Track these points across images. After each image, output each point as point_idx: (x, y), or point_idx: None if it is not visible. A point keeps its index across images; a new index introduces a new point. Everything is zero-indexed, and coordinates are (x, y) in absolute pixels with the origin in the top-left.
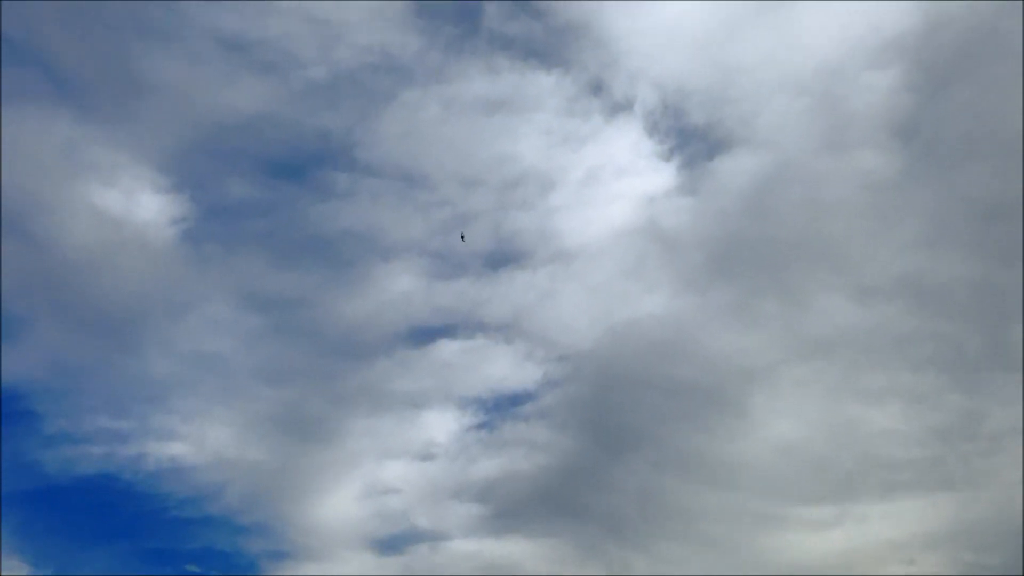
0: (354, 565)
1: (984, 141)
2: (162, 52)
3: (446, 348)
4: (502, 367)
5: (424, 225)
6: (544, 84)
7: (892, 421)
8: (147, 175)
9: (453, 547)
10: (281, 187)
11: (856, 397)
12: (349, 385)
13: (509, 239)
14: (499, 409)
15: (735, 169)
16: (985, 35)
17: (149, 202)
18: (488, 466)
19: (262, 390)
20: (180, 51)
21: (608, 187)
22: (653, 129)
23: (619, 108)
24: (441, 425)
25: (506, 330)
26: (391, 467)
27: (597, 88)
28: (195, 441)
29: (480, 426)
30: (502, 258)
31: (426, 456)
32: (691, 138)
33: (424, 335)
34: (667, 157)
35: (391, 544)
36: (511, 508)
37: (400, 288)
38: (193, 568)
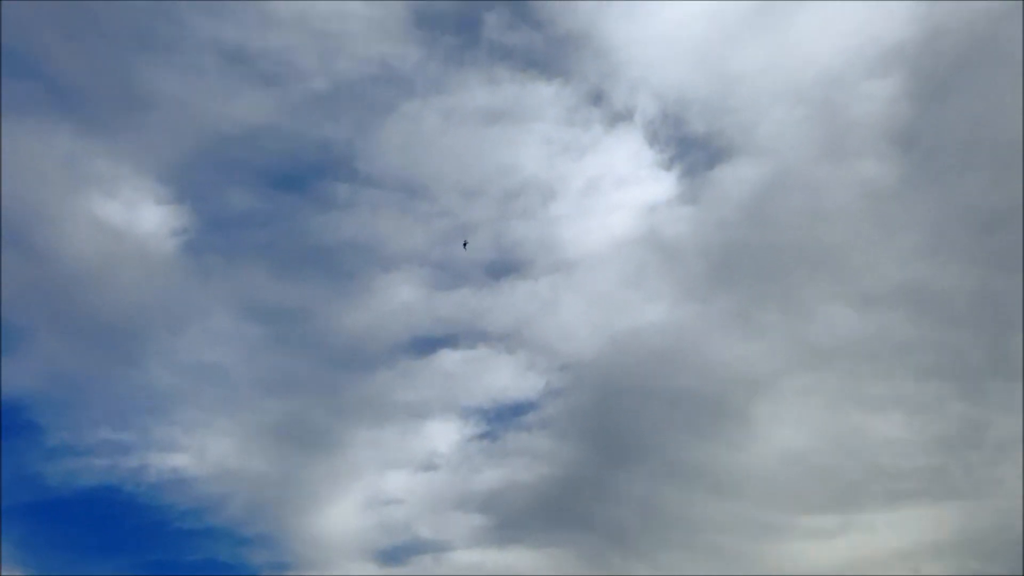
0: None
1: (984, 149)
2: (163, 64)
3: (448, 358)
4: (504, 377)
5: (425, 235)
6: (544, 94)
7: (895, 430)
8: (148, 186)
9: (456, 558)
10: (282, 198)
11: (859, 406)
12: (351, 396)
13: (510, 249)
14: (501, 419)
15: (735, 178)
16: (984, 44)
17: (150, 213)
18: (491, 476)
19: (264, 401)
20: (181, 63)
21: (609, 196)
22: (653, 138)
23: (619, 118)
24: (443, 435)
25: (508, 340)
26: (393, 478)
27: (597, 98)
28: (197, 452)
29: (482, 436)
30: (503, 268)
31: (428, 466)
32: (691, 147)
33: (426, 345)
34: (667, 166)
35: (394, 555)
36: (514, 518)
37: (401, 298)
38: None
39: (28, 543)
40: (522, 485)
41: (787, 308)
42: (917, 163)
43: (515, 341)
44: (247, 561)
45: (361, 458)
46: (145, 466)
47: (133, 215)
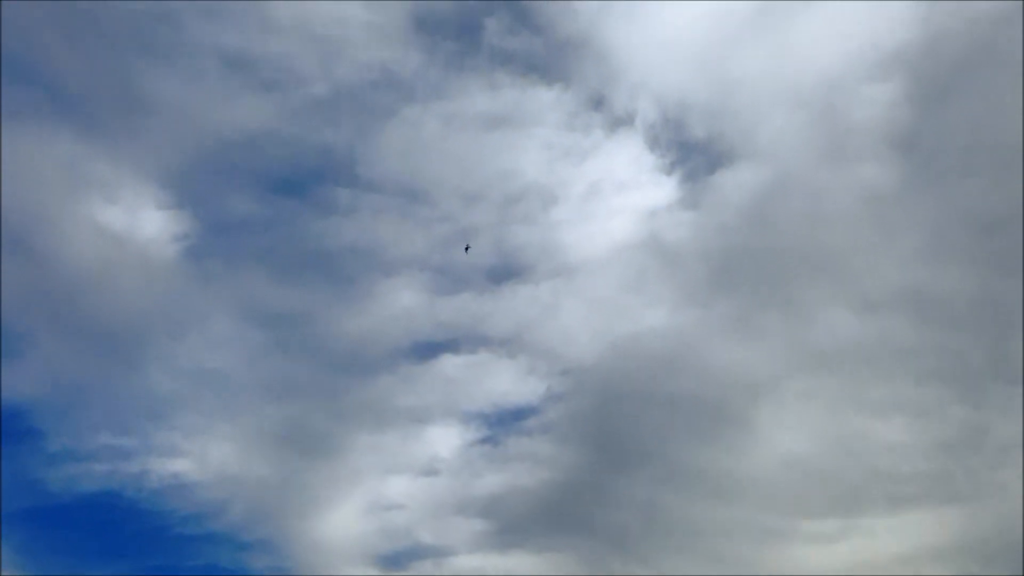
0: None
1: (984, 153)
2: (164, 69)
3: (449, 363)
4: (505, 381)
5: (426, 240)
6: (545, 99)
7: (897, 434)
8: (149, 192)
9: (457, 563)
10: (283, 203)
11: (860, 410)
12: (352, 401)
13: (511, 254)
14: (502, 424)
15: (736, 182)
16: (985, 48)
17: (151, 219)
18: (492, 481)
19: (265, 406)
20: (182, 68)
21: (609, 201)
22: (654, 143)
23: (620, 122)
24: (445, 440)
25: (509, 344)
26: (395, 483)
27: (598, 103)
28: (198, 458)
29: (484, 441)
30: (504, 273)
31: (430, 471)
32: (692, 152)
33: (427, 350)
34: (668, 171)
35: (395, 560)
36: (515, 523)
37: (402, 303)
38: None
39: (29, 549)
40: (523, 490)
41: (788, 312)
42: (918, 167)
43: (516, 346)
44: (248, 566)
45: (362, 463)
46: (146, 471)
47: (134, 220)
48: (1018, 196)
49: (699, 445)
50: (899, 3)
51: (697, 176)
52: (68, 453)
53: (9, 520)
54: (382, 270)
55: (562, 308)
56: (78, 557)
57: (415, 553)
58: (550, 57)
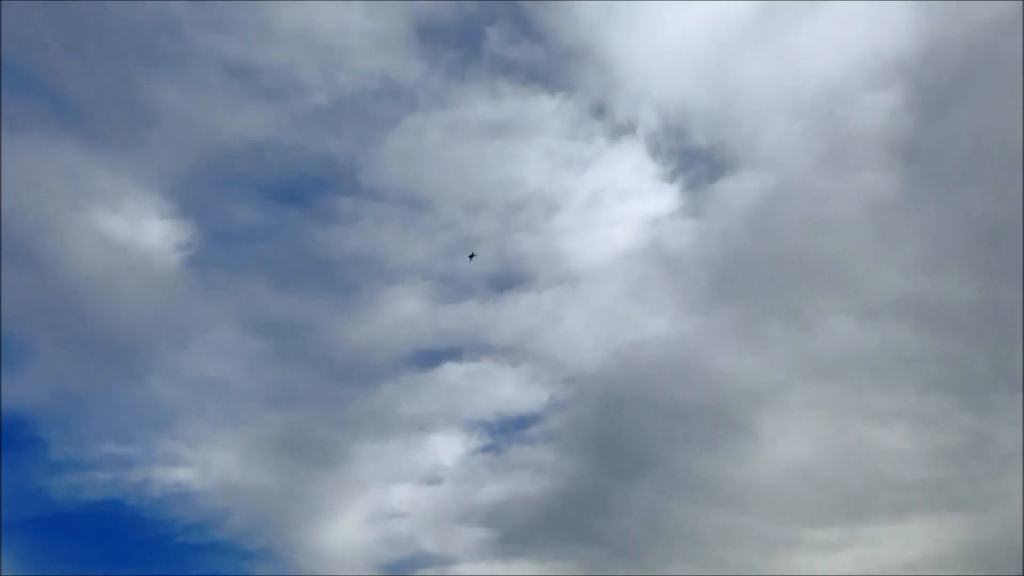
0: None
1: (985, 160)
2: (166, 79)
3: (452, 371)
4: (508, 390)
5: (428, 249)
6: (547, 108)
7: (900, 442)
8: (152, 201)
9: (460, 571)
10: (285, 212)
11: (863, 418)
12: (355, 409)
13: (514, 262)
14: (505, 432)
15: (738, 190)
16: (985, 56)
17: (154, 228)
18: (495, 489)
19: (268, 415)
20: (184, 78)
21: (612, 209)
22: (656, 151)
23: (622, 131)
24: (447, 449)
25: (511, 353)
26: (398, 491)
27: (600, 111)
28: (201, 467)
29: (486, 449)
30: (507, 281)
31: (433, 480)
32: (694, 160)
33: (429, 358)
34: (670, 179)
35: (398, 568)
36: (518, 531)
37: (405, 312)
38: None
39: (32, 557)
40: (526, 498)
41: (790, 320)
42: (918, 175)
43: (519, 354)
44: (251, 575)
45: (365, 472)
46: (149, 480)
47: (137, 230)
48: (1019, 203)
49: (702, 453)
50: (899, 11)
51: (699, 184)
52: (71, 462)
53: (12, 529)
54: (384, 278)
55: (564, 316)
56: (81, 566)
57: (418, 561)
58: (552, 66)
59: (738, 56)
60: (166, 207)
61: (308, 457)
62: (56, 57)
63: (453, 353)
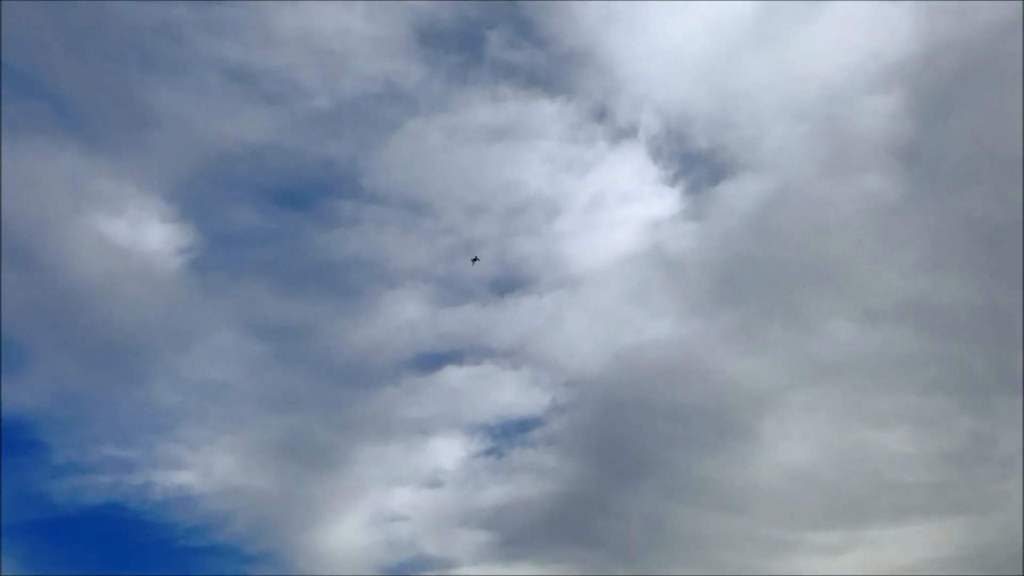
0: None
1: (986, 163)
2: (167, 83)
3: (453, 374)
4: (509, 393)
5: (429, 252)
6: (548, 111)
7: (901, 445)
8: (153, 205)
9: (461, 574)
10: (286, 216)
11: (864, 421)
12: (356, 412)
13: (514, 265)
14: (506, 435)
15: (739, 194)
16: (985, 59)
17: (155, 232)
18: (496, 493)
19: (269, 418)
20: (185, 82)
21: (613, 213)
22: (657, 155)
23: (623, 134)
24: (449, 452)
25: (513, 356)
26: (399, 494)
27: (601, 115)
28: (202, 470)
29: (488, 452)
30: (508, 284)
31: (434, 483)
32: (695, 163)
33: (431, 362)
34: (671, 182)
35: (399, 571)
36: (519, 534)
37: (406, 315)
38: None
39: (33, 561)
40: (527, 501)
41: (791, 323)
42: (919, 178)
43: (520, 357)
44: None
45: (366, 475)
46: (150, 483)
47: (138, 233)
48: (1019, 205)
49: (703, 456)
50: (900, 14)
51: (700, 187)
52: (72, 465)
53: (12, 532)
54: (386, 282)
55: (566, 319)
56: (82, 569)
57: (419, 565)
58: (553, 69)
59: (739, 59)
60: (167, 211)
61: (309, 460)
62: (57, 60)
63: (454, 356)
